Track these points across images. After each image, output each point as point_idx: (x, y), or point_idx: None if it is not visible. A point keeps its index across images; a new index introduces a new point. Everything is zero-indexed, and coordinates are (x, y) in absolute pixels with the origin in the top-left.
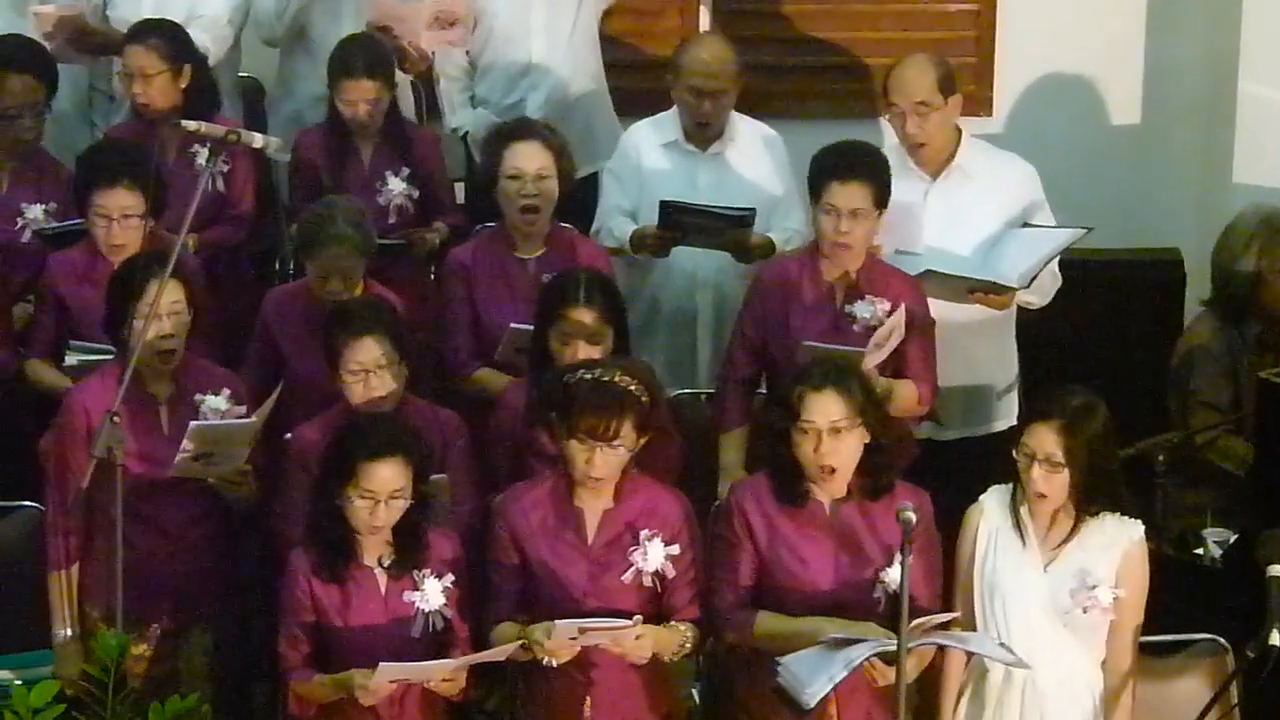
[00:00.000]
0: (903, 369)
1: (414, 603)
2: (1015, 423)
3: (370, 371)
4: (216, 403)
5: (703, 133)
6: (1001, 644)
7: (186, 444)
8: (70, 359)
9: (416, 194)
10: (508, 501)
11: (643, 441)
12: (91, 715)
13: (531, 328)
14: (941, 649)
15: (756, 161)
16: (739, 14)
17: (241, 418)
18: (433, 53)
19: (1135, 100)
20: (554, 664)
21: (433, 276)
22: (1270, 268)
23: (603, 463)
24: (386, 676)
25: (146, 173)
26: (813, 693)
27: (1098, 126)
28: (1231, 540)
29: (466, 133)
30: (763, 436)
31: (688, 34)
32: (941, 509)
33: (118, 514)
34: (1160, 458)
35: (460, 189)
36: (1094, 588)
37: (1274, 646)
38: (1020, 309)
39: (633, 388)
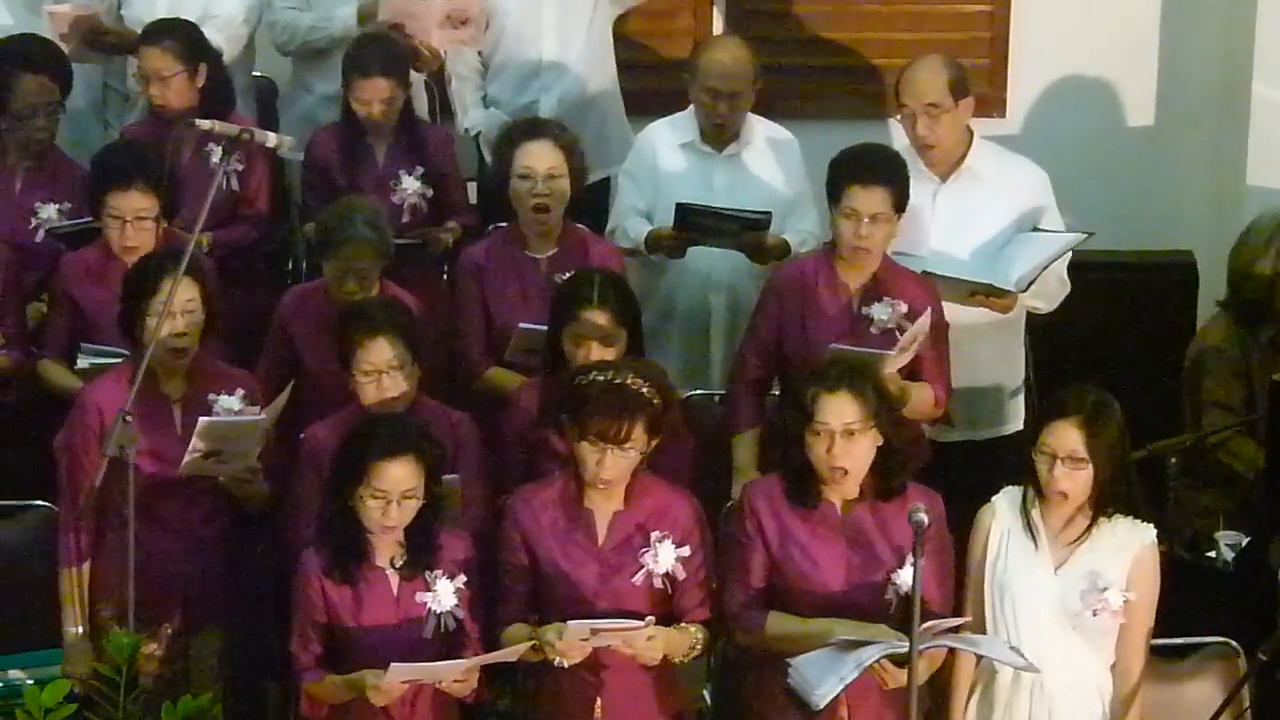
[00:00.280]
0: (917, 371)
1: (426, 603)
2: (1021, 427)
3: (383, 372)
4: (230, 403)
5: (719, 134)
6: (1012, 647)
7: (195, 441)
8: (82, 362)
9: (430, 193)
10: (518, 502)
11: (654, 444)
12: (102, 714)
13: (541, 327)
14: (952, 651)
15: (772, 163)
16: (751, 14)
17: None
18: (445, 52)
19: (1149, 102)
20: (565, 665)
21: (445, 276)
22: None
23: (613, 465)
24: (398, 677)
25: (160, 174)
26: (823, 694)
27: (1111, 128)
28: (1243, 543)
29: (479, 133)
30: (775, 437)
31: (700, 34)
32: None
33: (130, 513)
34: (1172, 460)
35: (472, 189)
36: (1104, 590)
37: None
38: (1030, 314)
39: (644, 390)
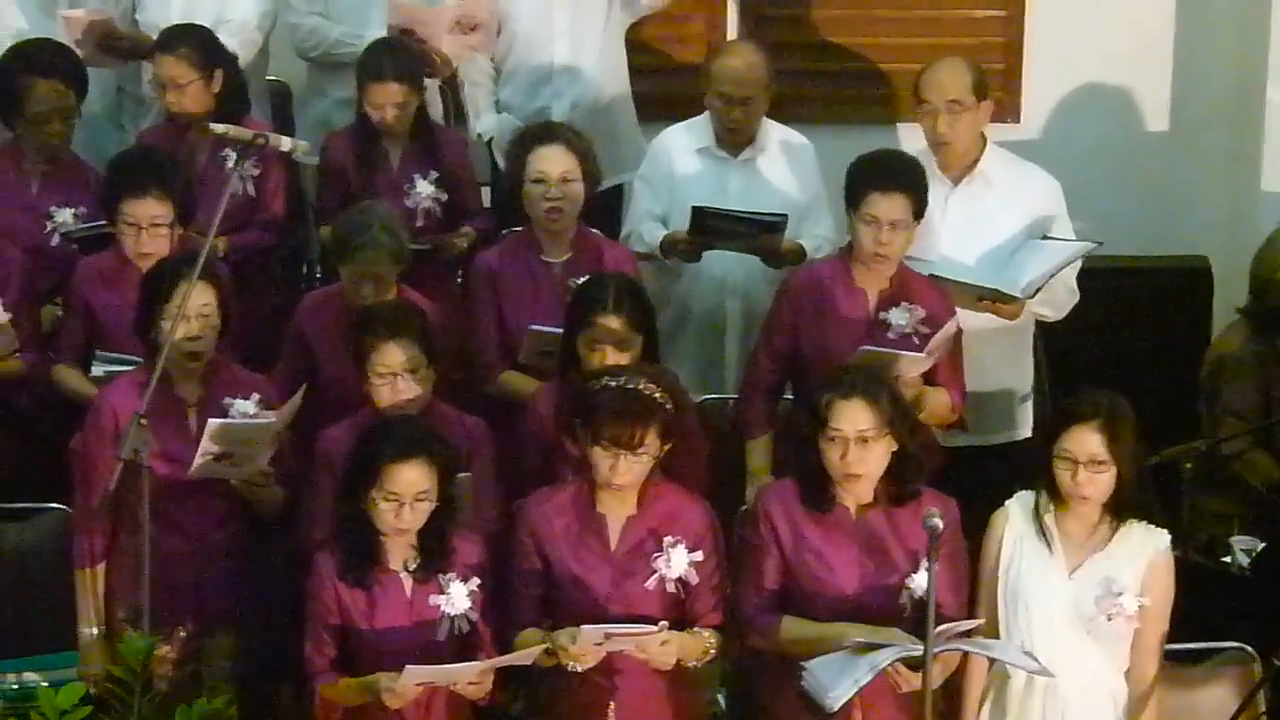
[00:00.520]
0: (933, 376)
1: (439, 606)
2: (1029, 433)
3: (398, 375)
4: (245, 407)
5: (734, 139)
6: (1026, 652)
7: (206, 443)
8: (96, 369)
9: (444, 197)
10: (531, 507)
11: (667, 448)
12: (117, 717)
13: (553, 330)
14: (965, 655)
15: (787, 168)
16: (766, 19)
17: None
18: (456, 57)
19: (1163, 107)
20: (579, 669)
21: (459, 281)
22: None
23: (626, 470)
24: (413, 679)
25: (175, 181)
26: (836, 697)
27: (1126, 133)
28: (1259, 548)
29: (491, 138)
30: (789, 442)
31: (714, 39)
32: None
33: (144, 516)
34: (1187, 465)
35: (485, 193)
36: (1119, 595)
37: None
38: (1045, 320)
39: (657, 395)
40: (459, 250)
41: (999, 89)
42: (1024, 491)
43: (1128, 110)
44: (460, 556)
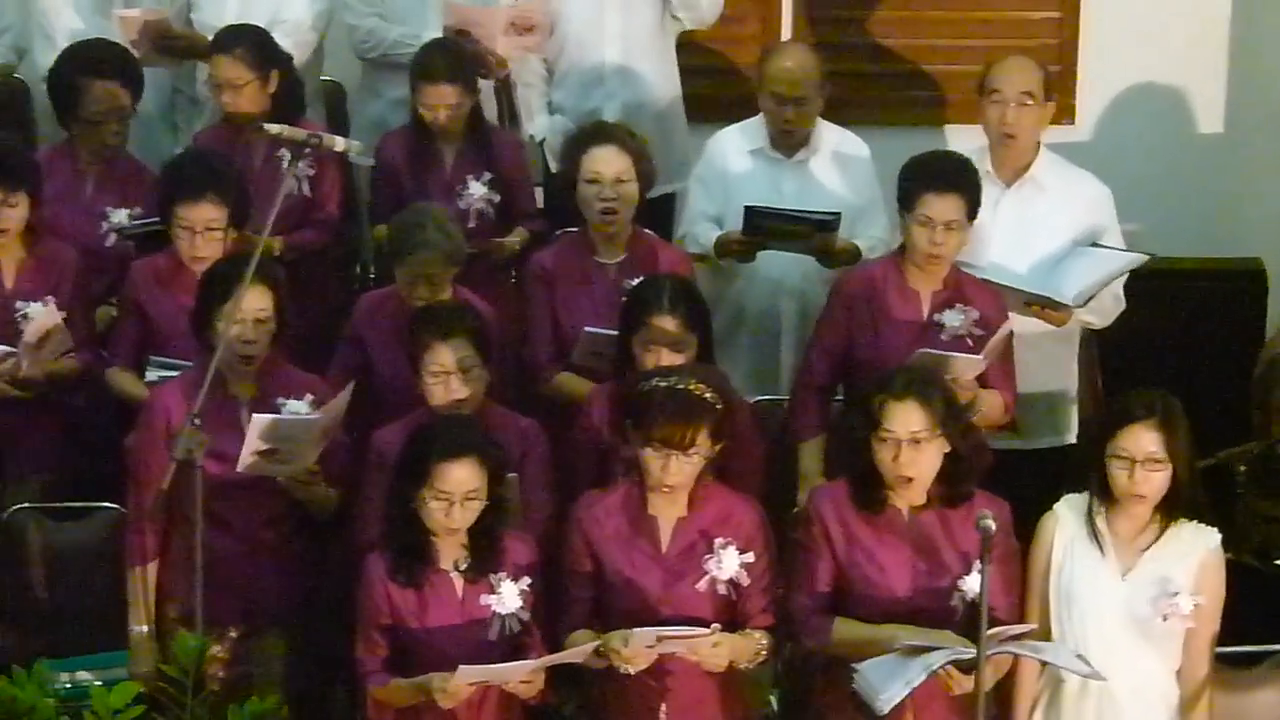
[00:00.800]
0: (985, 378)
1: (490, 606)
2: (1074, 439)
3: (451, 374)
4: (298, 407)
5: (788, 140)
6: (1078, 655)
7: (252, 439)
8: (150, 375)
9: (497, 199)
10: (582, 509)
11: (718, 449)
12: (170, 716)
13: (606, 331)
14: (1016, 658)
15: (842, 169)
16: (821, 20)
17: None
18: (510, 59)
19: (1218, 109)
20: (630, 671)
21: (513, 281)
22: None
23: (678, 470)
24: (466, 679)
25: (230, 184)
26: (887, 698)
27: (1180, 135)
28: None
29: (543, 139)
30: (841, 443)
31: (769, 40)
32: None
33: (197, 516)
34: (1241, 468)
35: (538, 195)
36: (1174, 595)
37: None
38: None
39: (707, 395)
40: (510, 252)
41: (1054, 91)
42: (1071, 495)
43: (1182, 112)
44: (511, 556)
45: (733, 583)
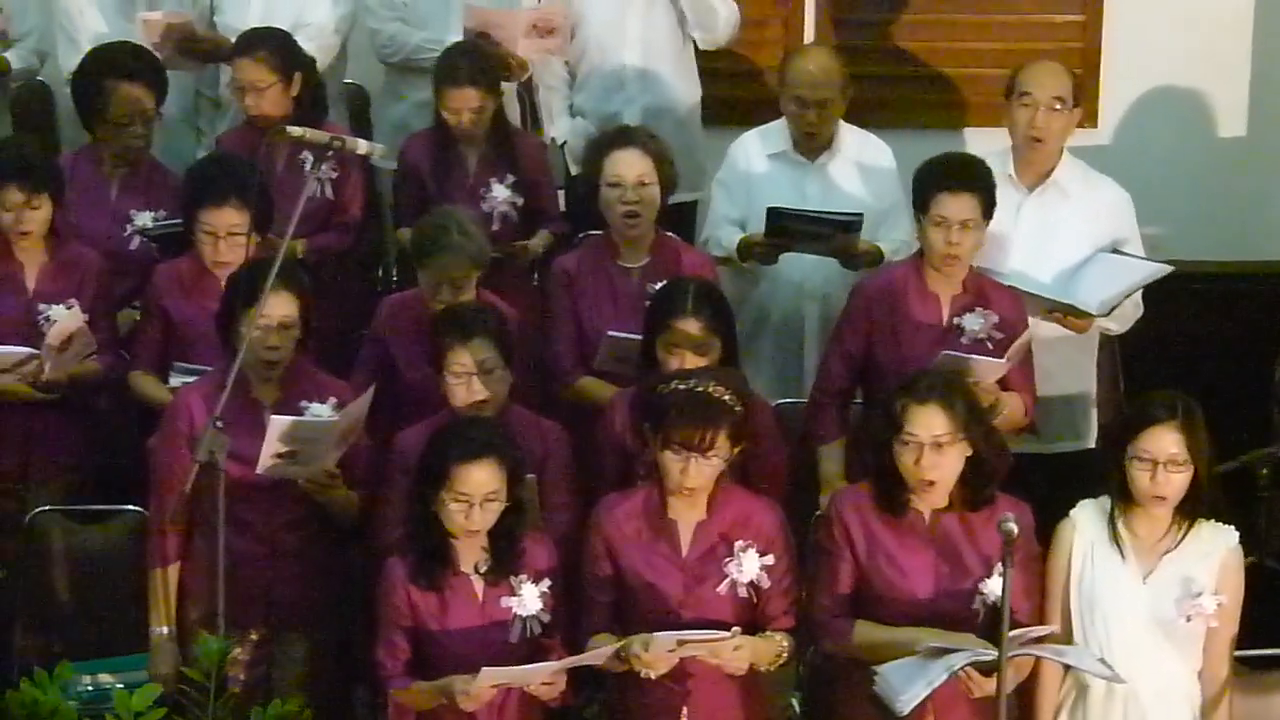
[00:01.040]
0: (1005, 381)
1: (511, 608)
2: (1092, 444)
3: (473, 375)
4: (321, 410)
5: (810, 143)
6: (1100, 659)
7: (270, 441)
8: (174, 380)
9: (520, 201)
10: (601, 513)
11: (737, 451)
12: (191, 718)
13: (631, 336)
14: (1037, 662)
15: (864, 172)
16: (844, 23)
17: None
18: (532, 61)
19: (1241, 111)
20: (652, 676)
21: (535, 284)
22: None
23: (697, 473)
24: (488, 681)
25: (253, 189)
26: (907, 700)
27: (1203, 138)
28: None
29: (564, 143)
30: (862, 447)
31: (792, 43)
32: None
33: (220, 520)
34: (1263, 470)
35: (560, 197)
36: (1198, 595)
37: None
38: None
39: (726, 397)
40: (533, 255)
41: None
42: (1087, 500)
43: (1204, 115)
44: (531, 558)
45: (753, 585)
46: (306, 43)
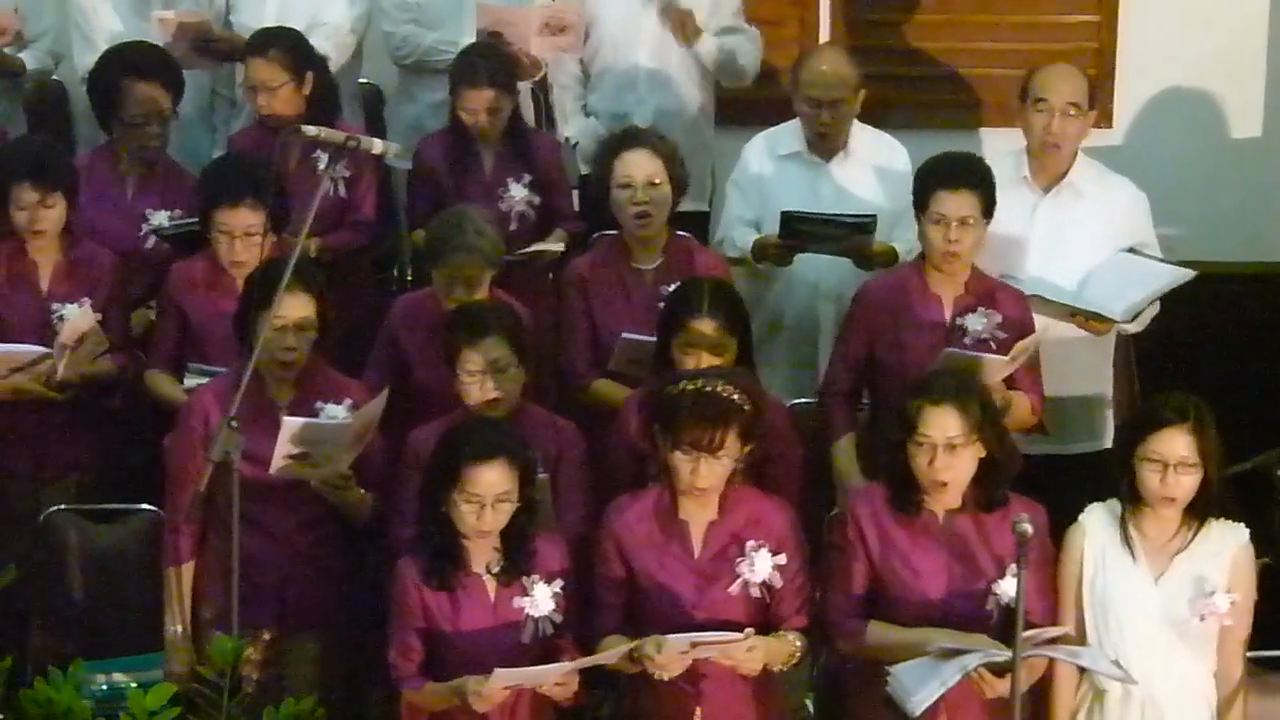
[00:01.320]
0: (1013, 381)
1: (523, 609)
2: (1109, 445)
3: (487, 373)
4: (335, 411)
5: (824, 143)
6: (1113, 660)
7: (283, 442)
8: (189, 381)
9: (538, 200)
10: (613, 515)
11: (747, 450)
12: (205, 718)
13: (644, 338)
14: (1051, 664)
15: (879, 173)
16: (858, 24)
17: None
18: (546, 60)
19: (1256, 112)
20: (664, 678)
21: (550, 282)
22: None
23: (708, 473)
24: (501, 682)
25: (268, 189)
26: (919, 700)
27: (1218, 139)
28: None
29: (576, 143)
30: (873, 447)
31: (807, 43)
32: None
33: (234, 520)
34: (1277, 472)
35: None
36: (1211, 594)
37: None
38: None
39: (735, 397)
40: (553, 256)
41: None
42: (1095, 504)
43: (1220, 115)
44: (543, 559)
45: (766, 585)
46: (322, 42)
